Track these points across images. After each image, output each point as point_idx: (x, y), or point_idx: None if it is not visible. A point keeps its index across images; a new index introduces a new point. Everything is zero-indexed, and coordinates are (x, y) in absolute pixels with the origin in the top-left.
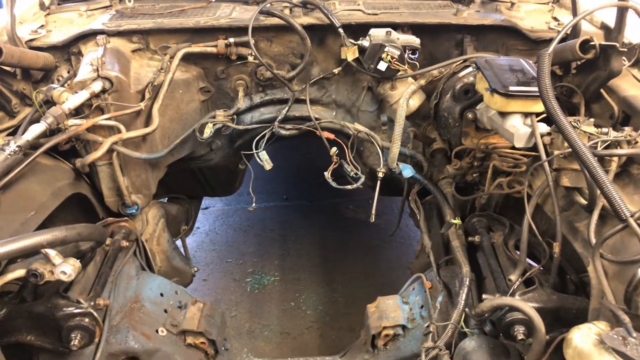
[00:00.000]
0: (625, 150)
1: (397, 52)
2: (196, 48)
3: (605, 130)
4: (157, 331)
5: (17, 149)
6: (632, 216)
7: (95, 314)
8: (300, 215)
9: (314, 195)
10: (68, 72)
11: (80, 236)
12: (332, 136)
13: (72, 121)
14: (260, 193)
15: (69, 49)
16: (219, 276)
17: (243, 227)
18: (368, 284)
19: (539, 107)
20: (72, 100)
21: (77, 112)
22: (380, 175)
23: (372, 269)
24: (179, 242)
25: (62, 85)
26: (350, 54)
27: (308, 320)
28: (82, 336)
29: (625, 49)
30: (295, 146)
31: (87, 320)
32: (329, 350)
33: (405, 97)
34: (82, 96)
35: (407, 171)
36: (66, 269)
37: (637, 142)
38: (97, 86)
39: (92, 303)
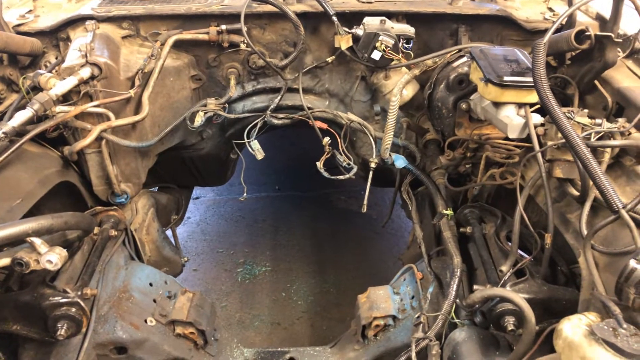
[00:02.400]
0: (618, 142)
1: (391, 41)
2: (187, 35)
3: (598, 121)
4: (145, 321)
5: (2, 135)
6: (624, 207)
7: (82, 303)
8: (292, 205)
9: (306, 185)
10: (56, 58)
11: (67, 225)
12: (324, 126)
13: (59, 108)
14: (252, 183)
15: (57, 35)
16: (210, 266)
17: (234, 218)
18: (359, 275)
19: (533, 97)
20: (59, 86)
21: (65, 98)
22: (373, 165)
23: (364, 260)
24: (169, 232)
25: (50, 71)
26: (344, 42)
27: (299, 310)
28: (69, 326)
29: (621, 40)
30: (287, 136)
31: (73, 309)
32: (320, 340)
33: (399, 87)
34: (70, 82)
35: (400, 162)
36: (52, 257)
37: (630, 134)
38: (85, 72)
39: (79, 292)
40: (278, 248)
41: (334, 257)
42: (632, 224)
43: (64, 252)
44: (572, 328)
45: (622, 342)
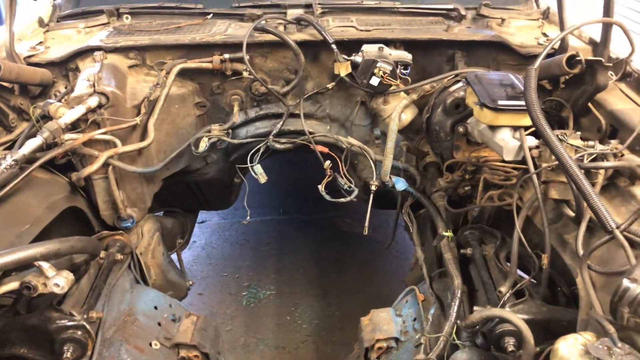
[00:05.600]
0: (610, 163)
1: (389, 68)
2: (192, 64)
3: (591, 143)
4: (150, 344)
5: (13, 162)
6: (617, 227)
7: (88, 326)
8: (296, 229)
9: (309, 209)
10: (65, 87)
11: (74, 249)
12: (326, 150)
13: (68, 135)
14: (256, 207)
15: (66, 65)
16: (215, 290)
17: (239, 241)
18: (364, 298)
19: (527, 120)
20: (68, 115)
21: (74, 126)
22: (374, 188)
23: (368, 283)
24: (174, 256)
25: (59, 101)
26: (343, 69)
27: (303, 334)
28: (75, 349)
29: (611, 64)
30: (290, 160)
31: (79, 333)
32: None
33: (398, 111)
34: (78, 111)
35: (400, 184)
36: (59, 281)
37: (623, 155)
38: (93, 101)
39: (85, 316)
40: (282, 271)
41: (338, 280)
42: (626, 243)
43: (70, 276)
44: (568, 347)
45: None
